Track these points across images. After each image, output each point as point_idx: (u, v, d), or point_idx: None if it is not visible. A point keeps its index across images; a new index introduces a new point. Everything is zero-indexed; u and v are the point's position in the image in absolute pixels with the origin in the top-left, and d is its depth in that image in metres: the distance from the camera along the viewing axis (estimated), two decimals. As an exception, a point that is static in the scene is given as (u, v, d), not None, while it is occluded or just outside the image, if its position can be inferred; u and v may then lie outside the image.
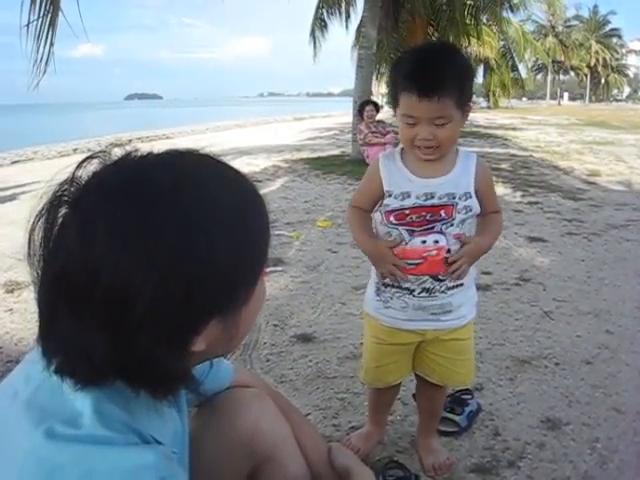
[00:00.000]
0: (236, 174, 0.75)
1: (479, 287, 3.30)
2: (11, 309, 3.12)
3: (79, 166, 0.67)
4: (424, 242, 1.50)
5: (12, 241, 4.55)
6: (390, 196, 1.51)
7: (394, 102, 1.49)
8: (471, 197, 1.49)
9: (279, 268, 3.65)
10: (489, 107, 35.27)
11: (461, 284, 1.55)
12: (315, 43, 14.33)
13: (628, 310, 3.02)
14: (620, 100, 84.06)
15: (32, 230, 0.65)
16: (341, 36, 15.15)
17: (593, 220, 5.22)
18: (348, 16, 13.86)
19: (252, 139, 14.22)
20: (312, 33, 14.27)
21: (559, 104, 62.02)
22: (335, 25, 14.31)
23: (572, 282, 3.49)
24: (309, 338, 2.65)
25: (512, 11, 16.77)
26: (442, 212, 1.48)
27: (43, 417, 0.64)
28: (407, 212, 1.49)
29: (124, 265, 0.60)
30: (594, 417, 2.01)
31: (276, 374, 2.31)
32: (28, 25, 4.89)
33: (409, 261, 1.51)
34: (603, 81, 67.45)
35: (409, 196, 1.49)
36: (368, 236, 1.60)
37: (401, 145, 1.56)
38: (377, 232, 1.59)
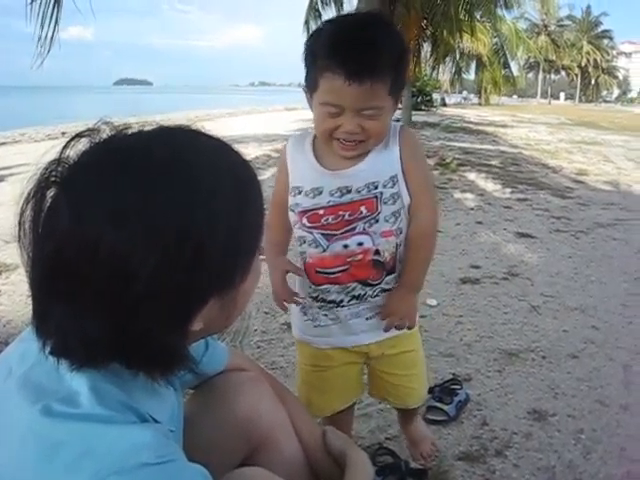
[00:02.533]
0: (231, 150, 0.74)
1: (468, 280, 3.36)
2: (-1, 290, 3.10)
3: (66, 145, 0.65)
4: (346, 246, 1.28)
5: (0, 222, 4.51)
6: (300, 193, 1.29)
7: (311, 86, 1.20)
8: (398, 181, 1.25)
9: (270, 257, 3.65)
10: (480, 104, 35.37)
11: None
12: (309, 33, 14.27)
13: (613, 307, 3.07)
14: (609, 101, 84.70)
15: (22, 213, 0.63)
16: (335, 27, 15.09)
17: (581, 218, 5.28)
18: (341, 5, 13.80)
19: (243, 127, 14.14)
20: (306, 23, 14.20)
21: (549, 103, 62.37)
22: (329, 15, 14.27)
23: (559, 278, 3.54)
24: (300, 326, 2.66)
25: (506, 8, 16.75)
26: (362, 208, 1.25)
27: (39, 395, 0.64)
28: (321, 212, 1.26)
29: (121, 246, 0.59)
30: (579, 409, 2.05)
31: (267, 361, 2.32)
32: (32, 3, 4.82)
33: (331, 270, 1.30)
34: (593, 82, 68.00)
35: (321, 193, 1.26)
36: (273, 254, 1.39)
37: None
38: (295, 234, 1.37)
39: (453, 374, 2.23)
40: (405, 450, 1.76)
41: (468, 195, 6.24)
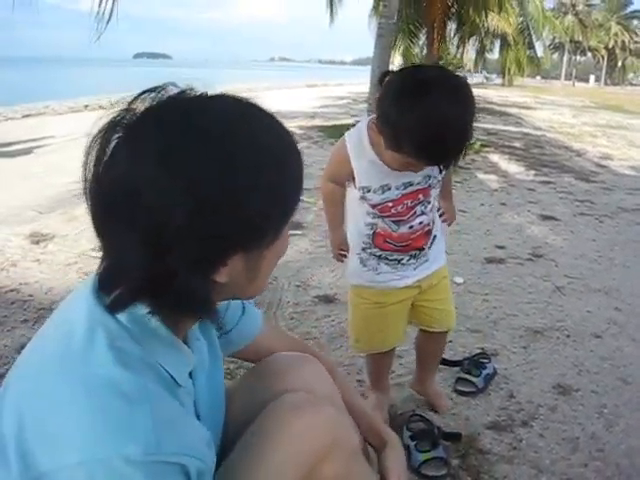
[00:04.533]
0: (280, 124, 0.78)
1: (493, 260, 3.43)
2: (38, 260, 3.20)
3: (137, 97, 0.71)
4: (411, 227, 1.58)
5: (33, 194, 4.63)
6: (369, 191, 1.51)
7: (388, 142, 1.34)
8: (443, 170, 1.54)
9: (299, 232, 3.74)
10: (503, 84, 34.80)
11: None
12: (332, 8, 14.11)
13: (637, 290, 3.12)
14: (636, 84, 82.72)
15: (88, 152, 0.69)
16: (356, 3, 14.91)
17: (604, 202, 5.28)
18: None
19: (264, 104, 14.09)
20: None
21: (574, 85, 61.13)
22: (352, -9, 14.07)
23: (583, 260, 3.59)
24: (330, 299, 2.76)
25: (534, -14, 16.40)
26: (420, 195, 1.54)
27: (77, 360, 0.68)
28: (390, 205, 1.53)
29: (164, 189, 0.64)
30: (602, 385, 2.13)
31: (301, 331, 2.42)
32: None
33: (397, 243, 1.60)
34: (620, 64, 66.36)
35: (390, 189, 1.50)
36: (338, 224, 1.69)
37: (367, 121, 1.50)
38: (353, 210, 1.62)
39: (481, 349, 2.31)
40: (437, 417, 1.86)
41: (492, 176, 6.25)
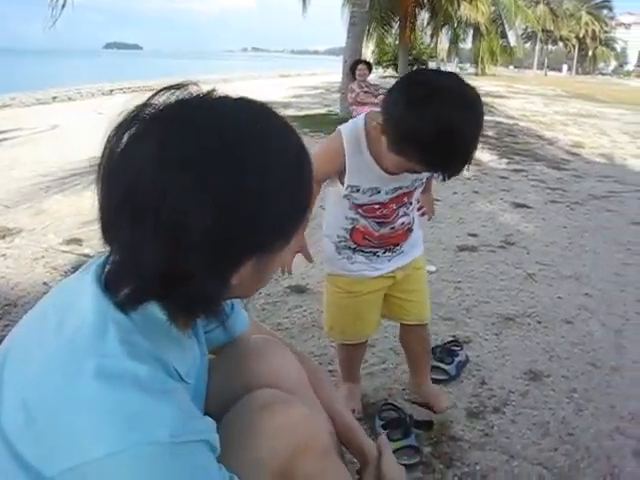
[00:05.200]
0: (290, 127, 0.78)
1: (466, 248, 3.45)
2: (4, 254, 3.12)
3: (157, 93, 0.69)
4: (393, 228, 1.58)
5: (-1, 188, 4.52)
6: (358, 191, 1.48)
7: (393, 144, 1.29)
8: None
9: (271, 223, 3.70)
10: (476, 74, 35.05)
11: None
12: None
13: (606, 275, 3.16)
14: (605, 74, 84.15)
15: (106, 145, 0.67)
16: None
17: (576, 190, 5.35)
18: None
19: (238, 94, 13.98)
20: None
21: (545, 74, 61.89)
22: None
23: (554, 247, 3.62)
24: (302, 289, 2.74)
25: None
26: (405, 198, 1.54)
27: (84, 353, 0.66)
28: (377, 207, 1.51)
29: (185, 189, 0.63)
30: (572, 370, 2.15)
31: (272, 322, 2.40)
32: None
33: (376, 240, 1.60)
34: (590, 53, 67.40)
35: (379, 192, 1.48)
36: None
37: (364, 119, 1.45)
38: (334, 202, 1.59)
39: (453, 336, 2.31)
40: (408, 405, 1.85)
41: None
